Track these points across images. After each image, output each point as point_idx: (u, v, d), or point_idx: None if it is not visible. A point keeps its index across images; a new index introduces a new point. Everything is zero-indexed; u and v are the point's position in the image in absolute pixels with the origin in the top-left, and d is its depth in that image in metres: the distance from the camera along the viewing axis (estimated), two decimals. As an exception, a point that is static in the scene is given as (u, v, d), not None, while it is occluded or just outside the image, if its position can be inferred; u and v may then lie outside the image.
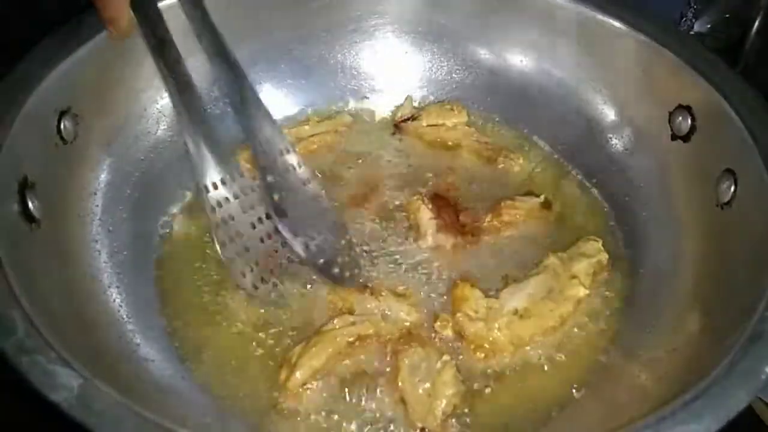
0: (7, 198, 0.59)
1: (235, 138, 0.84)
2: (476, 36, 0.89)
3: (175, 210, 0.79)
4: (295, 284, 0.71)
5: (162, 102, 0.80)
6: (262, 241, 0.70)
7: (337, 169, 0.84)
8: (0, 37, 0.90)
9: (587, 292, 0.70)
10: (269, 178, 0.69)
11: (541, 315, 0.68)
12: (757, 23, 0.92)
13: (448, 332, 0.68)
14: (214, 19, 0.79)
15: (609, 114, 0.84)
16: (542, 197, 0.80)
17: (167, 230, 0.77)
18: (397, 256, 0.75)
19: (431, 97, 0.92)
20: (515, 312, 0.68)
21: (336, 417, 0.63)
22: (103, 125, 0.74)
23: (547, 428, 0.63)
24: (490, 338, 0.67)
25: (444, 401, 0.62)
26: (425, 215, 0.76)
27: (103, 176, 0.73)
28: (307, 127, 0.86)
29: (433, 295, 0.72)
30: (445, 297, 0.71)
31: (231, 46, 0.81)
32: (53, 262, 0.62)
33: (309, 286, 0.72)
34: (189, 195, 0.80)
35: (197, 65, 0.82)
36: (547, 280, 0.71)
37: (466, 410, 0.64)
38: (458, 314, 0.68)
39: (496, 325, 0.67)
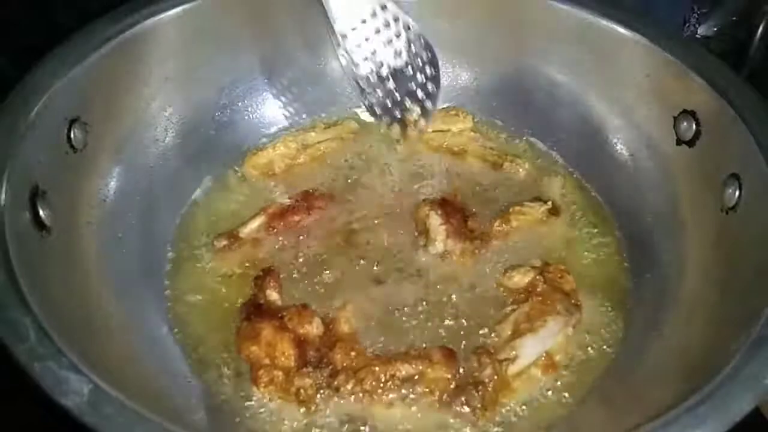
0: (18, 206, 0.60)
1: (242, 142, 0.86)
2: (481, 42, 0.89)
3: (184, 216, 0.80)
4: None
5: (170, 110, 0.81)
6: None
7: (344, 176, 0.85)
8: (14, 43, 0.91)
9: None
10: None
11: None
12: (761, 28, 0.92)
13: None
14: (219, 25, 0.81)
15: (614, 119, 0.84)
16: (549, 203, 0.80)
17: (176, 237, 0.77)
18: (407, 262, 0.75)
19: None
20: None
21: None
22: (112, 133, 0.74)
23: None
24: None
25: None
26: (435, 221, 0.77)
27: (113, 184, 0.74)
28: (313, 134, 0.87)
29: (441, 299, 0.72)
30: (453, 302, 0.72)
31: (240, 53, 0.84)
32: (64, 269, 0.63)
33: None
34: (196, 202, 0.81)
35: (205, 74, 0.83)
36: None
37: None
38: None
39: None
